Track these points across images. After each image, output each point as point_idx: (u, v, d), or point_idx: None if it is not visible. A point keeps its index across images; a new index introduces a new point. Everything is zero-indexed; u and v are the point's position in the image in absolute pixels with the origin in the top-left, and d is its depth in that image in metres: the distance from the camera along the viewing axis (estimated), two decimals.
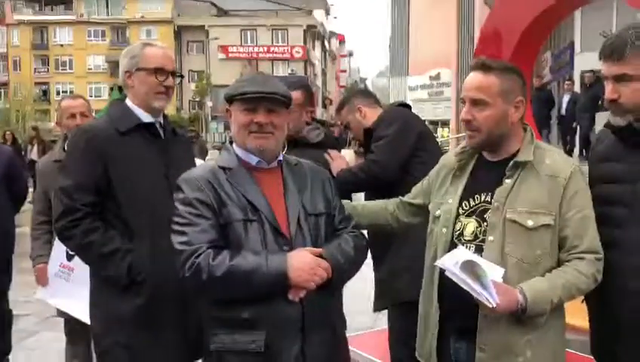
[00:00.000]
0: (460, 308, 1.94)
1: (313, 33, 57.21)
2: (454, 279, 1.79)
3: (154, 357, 2.37)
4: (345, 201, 2.32)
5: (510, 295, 1.80)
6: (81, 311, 2.79)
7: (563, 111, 13.25)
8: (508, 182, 1.96)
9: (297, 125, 2.96)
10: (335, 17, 74.04)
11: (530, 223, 1.89)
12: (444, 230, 2.05)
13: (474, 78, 1.99)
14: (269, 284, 1.90)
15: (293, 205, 2.05)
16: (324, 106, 64.64)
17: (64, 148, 3.38)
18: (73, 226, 2.35)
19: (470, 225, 1.99)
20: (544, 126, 12.55)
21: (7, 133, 17.33)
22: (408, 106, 3.34)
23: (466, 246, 1.96)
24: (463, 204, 2.04)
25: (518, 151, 1.99)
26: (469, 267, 1.77)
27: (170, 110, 50.59)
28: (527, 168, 1.95)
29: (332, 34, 70.56)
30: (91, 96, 46.30)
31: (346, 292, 2.48)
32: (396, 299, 2.96)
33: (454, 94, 14.98)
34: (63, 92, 49.84)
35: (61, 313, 3.43)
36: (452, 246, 2.00)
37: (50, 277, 3.32)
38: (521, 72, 2.07)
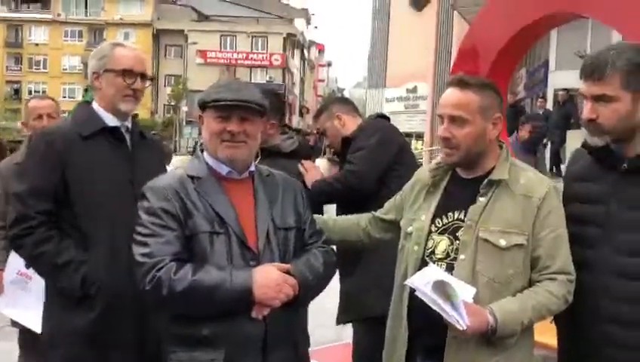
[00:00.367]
0: (428, 327, 1.91)
1: (293, 42, 57.29)
2: (424, 299, 1.76)
3: None
4: (316, 216, 2.27)
5: (480, 316, 1.77)
6: (36, 323, 2.66)
7: None
8: (482, 200, 1.93)
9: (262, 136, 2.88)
10: (315, 27, 74.38)
11: (502, 243, 1.87)
12: (416, 247, 2.01)
13: (452, 94, 1.96)
14: (233, 301, 1.84)
15: (263, 218, 1.99)
16: (301, 115, 64.72)
17: None
18: (25, 235, 2.23)
19: (442, 243, 1.96)
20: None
21: None
22: (387, 118, 3.30)
23: (437, 265, 1.93)
24: (436, 222, 2.00)
25: (492, 168, 1.97)
26: (440, 287, 1.73)
27: (144, 114, 50.23)
28: (501, 186, 1.93)
29: (312, 43, 70.78)
30: (65, 97, 45.73)
31: (311, 305, 2.41)
32: (362, 314, 2.91)
33: (430, 108, 15.12)
34: (35, 91, 48.87)
35: (15, 323, 3.29)
36: (423, 264, 1.96)
37: (6, 284, 3.18)
38: (498, 88, 2.06)
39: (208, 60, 52.84)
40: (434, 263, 1.93)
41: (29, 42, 54.06)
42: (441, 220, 1.99)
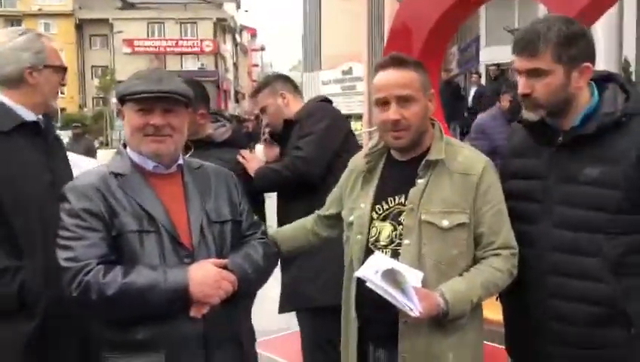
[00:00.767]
0: (378, 316, 1.89)
1: (223, 27, 56.31)
2: (376, 289, 1.71)
3: None
4: None
5: (431, 299, 1.75)
6: None
7: (469, 103, 13.72)
8: (420, 182, 1.90)
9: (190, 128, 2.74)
10: (246, 11, 73.43)
11: (445, 223, 1.85)
12: (359, 237, 1.96)
13: (394, 74, 1.90)
14: (168, 301, 1.75)
15: (196, 213, 1.89)
16: (237, 101, 63.98)
17: None
18: None
19: (385, 230, 1.92)
20: (454, 118, 12.95)
21: None
22: (330, 102, 3.21)
23: (382, 252, 1.90)
24: (377, 208, 1.96)
25: (428, 149, 1.94)
26: (390, 275, 1.70)
27: (72, 108, 48.39)
28: (438, 166, 1.90)
29: (243, 27, 69.88)
30: None
31: (258, 294, 2.33)
32: (304, 304, 2.85)
33: (366, 88, 15.20)
34: None
35: None
36: (368, 252, 1.92)
37: None
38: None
39: (136, 49, 51.29)
40: (379, 250, 1.90)
41: None
42: (382, 206, 1.95)
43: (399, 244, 1.88)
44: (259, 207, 2.94)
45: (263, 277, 2.00)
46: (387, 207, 1.94)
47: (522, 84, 1.85)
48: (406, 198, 1.90)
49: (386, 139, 1.96)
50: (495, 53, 13.68)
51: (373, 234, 1.94)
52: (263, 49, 75.81)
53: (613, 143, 1.79)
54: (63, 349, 2.12)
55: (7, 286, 2.02)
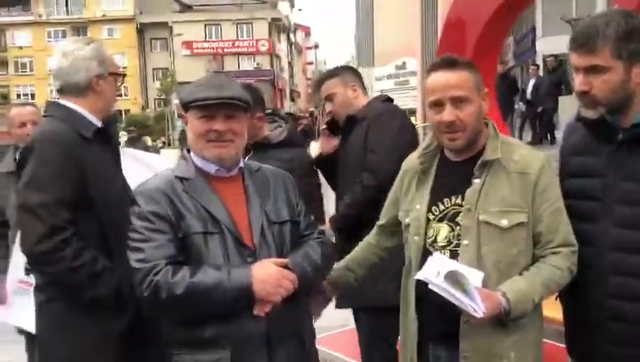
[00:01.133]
0: (438, 316, 1.89)
1: (278, 26, 56.82)
2: (438, 291, 1.72)
3: None
4: (337, 268, 2.23)
5: (493, 299, 1.75)
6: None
7: (529, 96, 13.37)
8: (477, 182, 1.89)
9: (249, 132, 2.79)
10: (300, 9, 73.85)
11: (504, 223, 1.84)
12: (416, 238, 1.97)
13: (447, 75, 1.90)
14: (233, 300, 1.81)
15: (256, 214, 1.96)
16: (292, 99, 64.45)
17: (15, 159, 3.19)
18: (63, 248, 2.08)
19: (443, 231, 1.93)
20: (508, 112, 12.66)
21: None
22: (391, 100, 3.20)
23: (441, 253, 1.90)
24: (433, 210, 1.96)
25: (483, 148, 1.93)
26: (452, 277, 1.70)
27: (135, 109, 49.94)
28: (495, 166, 1.89)
29: (297, 26, 70.23)
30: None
31: None
32: (364, 303, 2.86)
33: (420, 83, 15.03)
34: (23, 95, 48.66)
35: (21, 331, 3.26)
36: (426, 253, 1.93)
37: (11, 296, 3.14)
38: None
39: (195, 51, 52.47)
40: (437, 251, 1.90)
41: (12, 45, 53.53)
42: (438, 207, 1.96)
43: (458, 245, 1.88)
44: (316, 204, 2.98)
45: (321, 275, 2.05)
46: (443, 208, 1.94)
47: (580, 81, 1.82)
48: (462, 199, 1.89)
49: (442, 141, 1.96)
50: (552, 43, 13.27)
51: (430, 236, 1.95)
52: (317, 47, 76.03)
53: None
54: (148, 348, 2.19)
55: (107, 284, 2.14)
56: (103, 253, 2.17)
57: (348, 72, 3.10)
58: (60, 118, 2.26)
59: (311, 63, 77.19)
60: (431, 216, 1.96)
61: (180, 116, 2.04)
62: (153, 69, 52.93)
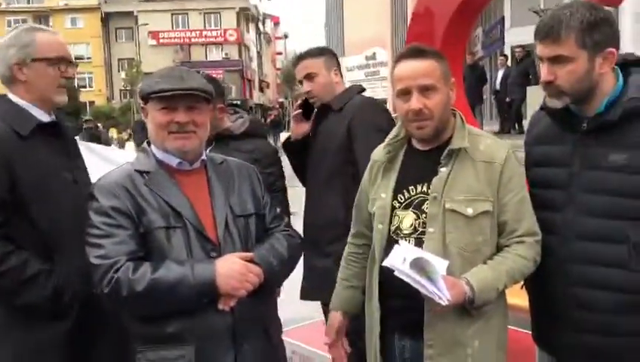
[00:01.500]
0: (401, 305, 1.90)
1: (247, 15, 56.34)
2: (404, 278, 1.71)
3: None
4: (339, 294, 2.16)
5: (457, 287, 1.76)
6: None
7: (497, 87, 13.54)
8: (443, 170, 1.89)
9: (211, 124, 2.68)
10: None
11: (469, 211, 1.85)
12: (380, 226, 1.97)
13: (415, 64, 1.90)
14: (197, 295, 1.78)
15: (220, 207, 1.93)
16: (262, 90, 64.09)
17: None
18: None
19: (408, 218, 1.93)
20: (477, 102, 12.80)
21: None
22: (364, 90, 3.11)
23: (406, 240, 1.90)
24: (398, 197, 1.96)
25: (450, 138, 1.93)
26: (418, 264, 1.70)
27: (100, 100, 48.99)
28: (461, 155, 1.90)
29: (266, 16, 69.80)
30: None
31: (287, 283, 2.34)
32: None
33: (390, 73, 15.15)
34: None
35: None
36: (390, 241, 1.93)
37: None
38: None
39: (161, 41, 51.69)
40: (402, 239, 1.90)
41: None
42: (403, 195, 1.95)
43: (423, 233, 1.88)
44: (279, 195, 2.93)
45: (288, 268, 2.03)
46: (409, 195, 1.94)
47: (545, 71, 1.83)
48: (428, 187, 1.90)
49: (409, 129, 1.96)
50: (521, 34, 13.44)
51: (395, 223, 1.95)
52: (286, 37, 75.63)
53: (639, 129, 1.76)
54: (101, 347, 2.14)
55: (41, 289, 2.02)
56: (40, 255, 2.05)
57: (331, 55, 3.00)
58: (2, 113, 2.12)
59: (280, 53, 76.90)
60: (396, 204, 1.96)
61: (141, 109, 1.97)
62: (119, 60, 51.94)
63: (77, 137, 2.69)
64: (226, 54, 52.35)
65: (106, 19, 52.39)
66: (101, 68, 51.59)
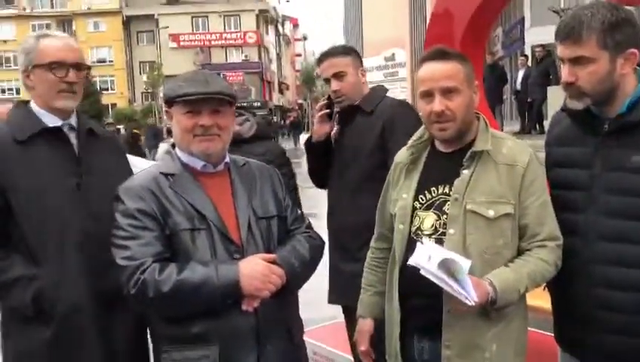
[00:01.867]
0: (421, 307, 1.90)
1: (266, 18, 56.59)
2: (430, 277, 1.69)
3: None
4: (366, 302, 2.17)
5: (481, 287, 1.75)
6: None
7: (518, 87, 13.42)
8: (465, 172, 1.90)
9: None
10: (287, 1, 73.39)
11: (491, 213, 1.85)
12: (401, 226, 1.98)
13: (438, 66, 1.90)
14: (221, 296, 1.81)
15: (243, 209, 1.95)
16: (281, 91, 64.26)
17: None
18: None
19: (428, 219, 1.93)
20: (497, 102, 12.71)
21: None
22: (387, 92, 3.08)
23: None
24: (419, 198, 1.97)
25: (473, 140, 1.94)
26: (445, 265, 1.68)
27: (122, 103, 49.53)
28: (483, 158, 1.90)
29: (285, 18, 70.03)
30: None
31: (307, 284, 2.35)
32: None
33: (409, 74, 15.05)
34: (8, 90, 48.22)
35: None
36: (410, 241, 1.94)
37: None
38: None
39: (181, 44, 52.15)
40: (422, 239, 1.90)
41: None
42: (425, 196, 1.96)
43: (443, 233, 1.88)
44: (294, 196, 2.87)
45: (309, 270, 2.04)
46: (430, 196, 1.95)
47: (566, 72, 1.82)
48: (450, 188, 1.90)
49: (432, 131, 1.96)
50: (541, 34, 13.31)
51: (415, 224, 1.95)
52: (305, 38, 75.82)
53: None
54: (85, 355, 2.10)
55: (21, 294, 2.03)
56: (29, 261, 2.06)
57: (356, 55, 2.92)
58: (9, 119, 2.19)
59: (299, 55, 77.03)
60: (417, 205, 1.96)
61: (166, 113, 2.01)
62: (140, 62, 52.53)
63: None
64: (246, 56, 52.61)
65: (127, 22, 53.04)
66: (123, 71, 52.23)
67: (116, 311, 2.11)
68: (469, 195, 1.86)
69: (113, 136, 2.48)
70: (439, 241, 1.88)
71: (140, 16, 52.69)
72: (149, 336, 2.15)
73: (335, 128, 2.93)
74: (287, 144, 27.83)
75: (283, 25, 68.40)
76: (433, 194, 1.95)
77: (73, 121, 2.22)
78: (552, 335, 2.15)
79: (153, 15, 52.38)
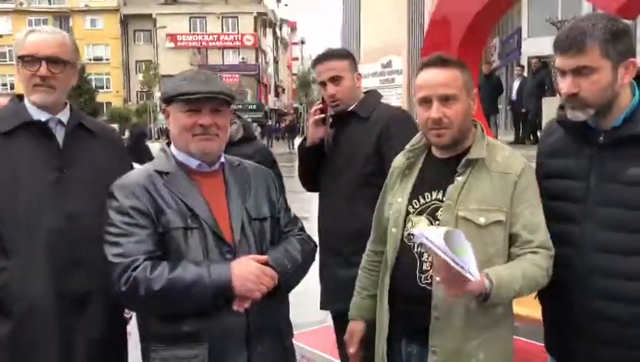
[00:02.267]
0: (410, 311, 1.91)
1: (264, 20, 56.64)
2: (433, 248, 1.62)
3: None
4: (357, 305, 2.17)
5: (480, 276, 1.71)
6: None
7: (514, 97, 13.49)
8: (459, 179, 1.90)
9: None
10: (286, 5, 73.48)
11: (482, 220, 1.85)
12: (394, 230, 1.98)
13: (437, 73, 1.91)
14: (212, 296, 1.80)
15: (237, 210, 1.95)
16: (277, 95, 64.28)
17: None
18: None
19: (421, 224, 1.93)
20: (492, 112, 12.77)
21: None
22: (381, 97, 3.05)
23: (416, 248, 1.91)
24: (413, 203, 1.98)
25: (468, 148, 1.94)
26: (450, 236, 1.62)
27: (117, 102, 49.40)
28: (478, 165, 1.91)
29: (283, 21, 70.11)
30: None
31: (297, 287, 2.34)
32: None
33: (406, 81, 15.09)
34: (2, 85, 48.01)
35: None
36: (402, 245, 1.94)
37: None
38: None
39: (179, 44, 52.11)
40: (413, 243, 1.90)
41: None
42: (418, 201, 1.97)
43: None
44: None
45: (301, 272, 2.04)
46: (424, 201, 1.96)
47: (568, 84, 1.80)
48: (444, 194, 1.91)
49: (428, 137, 1.97)
50: (537, 45, 13.39)
51: (408, 228, 1.95)
52: (303, 42, 75.95)
53: None
54: (43, 353, 2.06)
55: None
56: (1, 254, 2.03)
57: (353, 58, 2.86)
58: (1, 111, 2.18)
59: (296, 59, 77.15)
60: (411, 209, 1.97)
61: (163, 111, 2.00)
62: (136, 61, 52.45)
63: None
64: (243, 58, 52.64)
65: (124, 21, 52.98)
66: (119, 69, 52.14)
67: (82, 313, 2.09)
68: (462, 202, 1.87)
69: (111, 133, 2.44)
70: None
71: (137, 15, 52.65)
72: (131, 338, 2.11)
73: (329, 133, 2.91)
74: (281, 147, 27.88)
75: (281, 28, 68.47)
76: (427, 200, 1.95)
77: (64, 116, 2.20)
78: (541, 344, 2.15)
79: (151, 14, 52.35)
